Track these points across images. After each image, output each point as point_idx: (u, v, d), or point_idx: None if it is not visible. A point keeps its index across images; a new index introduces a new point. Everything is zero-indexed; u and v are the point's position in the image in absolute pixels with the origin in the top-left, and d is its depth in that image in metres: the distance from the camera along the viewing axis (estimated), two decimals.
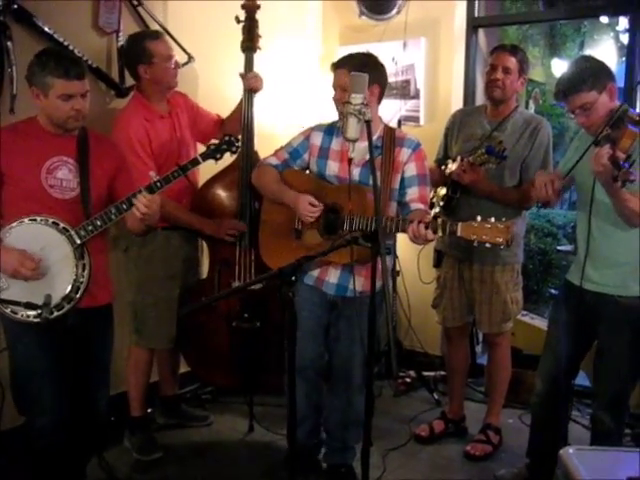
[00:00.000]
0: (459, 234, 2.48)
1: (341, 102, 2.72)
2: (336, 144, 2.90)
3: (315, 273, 2.92)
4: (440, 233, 2.52)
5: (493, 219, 2.43)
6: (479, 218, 2.46)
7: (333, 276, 2.90)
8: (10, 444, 2.75)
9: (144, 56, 3.18)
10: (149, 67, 3.19)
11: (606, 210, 2.58)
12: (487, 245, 2.44)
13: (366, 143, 2.59)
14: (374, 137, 2.81)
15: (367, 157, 2.76)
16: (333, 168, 2.90)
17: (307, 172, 3.01)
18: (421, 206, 2.86)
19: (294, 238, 2.92)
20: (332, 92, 2.90)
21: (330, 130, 2.95)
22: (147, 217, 2.48)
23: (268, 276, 2.24)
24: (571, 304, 2.81)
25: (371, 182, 2.26)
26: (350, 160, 2.45)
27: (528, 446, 3.07)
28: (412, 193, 2.85)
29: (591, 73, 2.57)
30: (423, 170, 2.89)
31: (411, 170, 2.86)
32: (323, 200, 2.84)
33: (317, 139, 2.94)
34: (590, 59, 2.71)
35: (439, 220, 2.53)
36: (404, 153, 2.85)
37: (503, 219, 2.43)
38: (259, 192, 3.14)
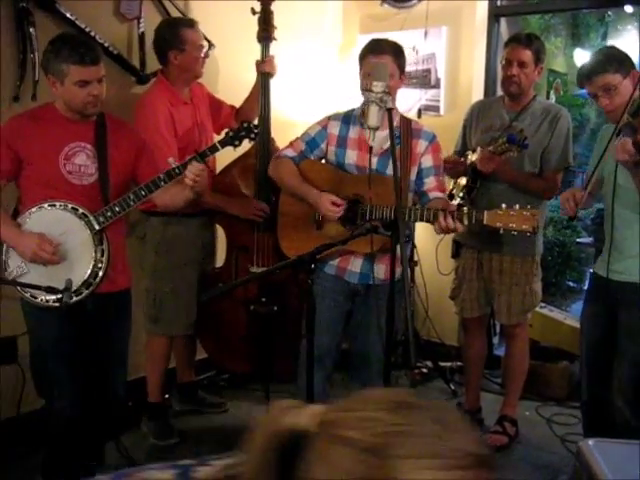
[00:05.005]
0: (485, 222, 2.46)
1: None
2: (354, 132, 2.88)
3: (336, 262, 2.89)
4: (466, 222, 2.49)
5: (517, 206, 2.40)
6: (504, 206, 2.42)
7: (355, 265, 2.88)
8: (30, 427, 2.78)
9: (177, 42, 3.19)
10: (180, 53, 3.20)
11: (627, 196, 2.58)
12: (513, 233, 2.42)
13: (386, 132, 2.58)
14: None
15: (385, 146, 2.76)
16: (352, 157, 2.87)
17: (324, 162, 2.97)
18: (440, 194, 2.87)
19: (315, 229, 2.89)
20: (361, 81, 2.76)
21: (347, 119, 2.91)
22: (198, 185, 2.53)
23: (287, 263, 2.24)
24: (599, 296, 2.81)
25: (389, 172, 2.23)
26: (371, 148, 2.43)
27: None
28: (430, 182, 2.85)
29: (616, 58, 2.62)
30: (439, 161, 2.90)
31: (428, 161, 2.85)
32: (344, 191, 2.82)
33: (335, 128, 2.91)
34: (614, 47, 2.81)
35: (464, 209, 2.51)
36: (421, 145, 2.84)
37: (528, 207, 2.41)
38: (276, 184, 3.11)
